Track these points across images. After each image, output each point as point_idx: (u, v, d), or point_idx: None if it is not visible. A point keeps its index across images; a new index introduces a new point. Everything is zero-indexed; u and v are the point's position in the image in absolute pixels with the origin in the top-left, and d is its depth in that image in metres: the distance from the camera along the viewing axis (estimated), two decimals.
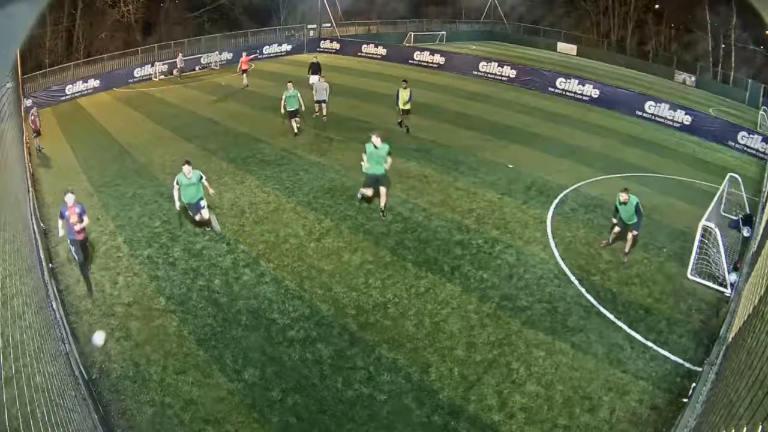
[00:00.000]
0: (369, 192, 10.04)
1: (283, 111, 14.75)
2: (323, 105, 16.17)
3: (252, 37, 33.95)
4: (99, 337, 6.28)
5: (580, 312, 7.60)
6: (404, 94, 15.07)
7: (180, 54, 27.06)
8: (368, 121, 17.35)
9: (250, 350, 6.60)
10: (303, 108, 14.86)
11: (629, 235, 8.95)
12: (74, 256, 7.93)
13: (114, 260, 8.70)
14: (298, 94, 14.59)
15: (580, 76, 24.31)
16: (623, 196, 8.73)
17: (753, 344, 3.94)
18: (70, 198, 7.74)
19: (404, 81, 15.39)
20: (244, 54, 24.36)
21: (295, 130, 15.12)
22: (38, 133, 14.38)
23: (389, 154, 9.69)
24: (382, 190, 9.93)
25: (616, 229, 9.21)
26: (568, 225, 10.33)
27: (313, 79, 18.96)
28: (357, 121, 17.33)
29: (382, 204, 10.08)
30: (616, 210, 8.96)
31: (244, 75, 22.89)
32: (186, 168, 8.90)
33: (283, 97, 14.61)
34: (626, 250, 9.13)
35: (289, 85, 14.76)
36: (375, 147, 9.67)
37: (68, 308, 7.30)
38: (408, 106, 15.26)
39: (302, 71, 23.35)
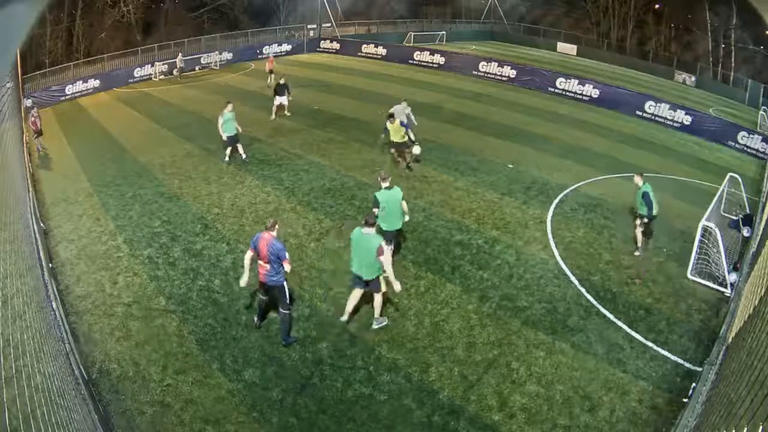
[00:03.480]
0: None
1: (224, 138, 12.61)
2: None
3: (252, 37, 33.98)
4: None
5: (580, 312, 7.59)
6: (395, 126, 11.88)
7: (180, 54, 27.08)
8: (368, 121, 17.35)
9: (250, 350, 6.60)
10: (240, 130, 12.82)
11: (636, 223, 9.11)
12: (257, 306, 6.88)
13: (114, 260, 8.70)
14: (233, 117, 12.53)
15: (580, 76, 24.33)
16: (635, 180, 9.00)
17: (753, 344, 3.94)
18: (274, 229, 6.45)
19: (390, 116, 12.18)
20: (271, 55, 24.60)
21: (243, 156, 12.96)
22: (39, 133, 14.33)
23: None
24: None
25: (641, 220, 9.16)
26: (568, 225, 10.33)
27: (280, 99, 17.11)
28: (357, 121, 17.34)
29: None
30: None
31: (271, 76, 22.59)
32: None
33: (220, 120, 12.40)
34: (637, 243, 9.22)
35: (229, 106, 12.53)
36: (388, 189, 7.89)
37: (68, 308, 7.29)
38: (403, 137, 11.90)
39: (302, 71, 23.43)
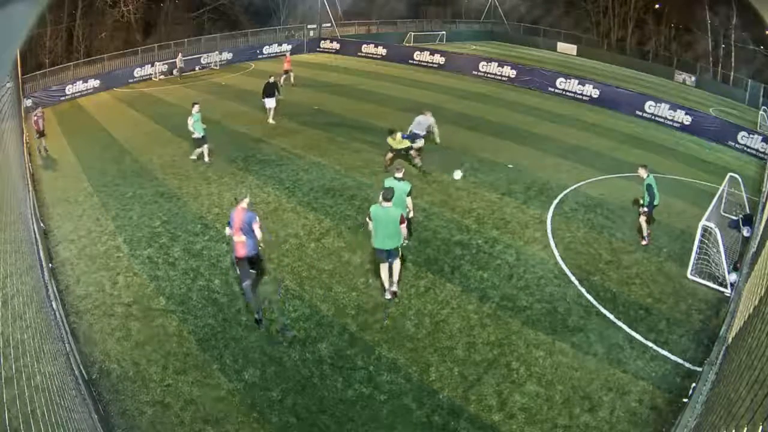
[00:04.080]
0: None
1: (196, 137, 12.80)
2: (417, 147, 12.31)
3: (252, 37, 33.99)
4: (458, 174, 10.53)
5: (580, 312, 7.60)
6: (397, 140, 12.07)
7: (180, 54, 27.08)
8: (368, 120, 17.36)
9: (250, 350, 6.60)
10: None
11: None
12: (241, 279, 7.20)
13: (114, 260, 8.70)
14: (200, 117, 12.69)
15: (580, 76, 24.33)
16: (639, 172, 9.59)
17: (753, 344, 3.94)
18: (245, 201, 6.83)
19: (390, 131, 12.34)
20: (287, 53, 24.75)
21: (207, 159, 13.10)
22: (42, 134, 14.26)
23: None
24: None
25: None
26: (568, 225, 10.33)
27: (270, 103, 16.27)
28: (357, 121, 17.34)
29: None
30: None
31: (289, 75, 22.46)
32: None
33: (191, 121, 12.55)
34: (643, 233, 9.78)
35: (196, 107, 12.65)
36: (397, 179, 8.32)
37: (68, 308, 7.29)
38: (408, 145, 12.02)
39: (302, 71, 23.42)
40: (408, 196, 8.19)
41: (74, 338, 6.49)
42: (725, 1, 34.53)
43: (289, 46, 33.45)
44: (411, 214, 8.47)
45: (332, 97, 21.08)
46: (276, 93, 16.49)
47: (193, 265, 8.53)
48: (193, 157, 13.25)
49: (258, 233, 6.68)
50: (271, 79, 16.47)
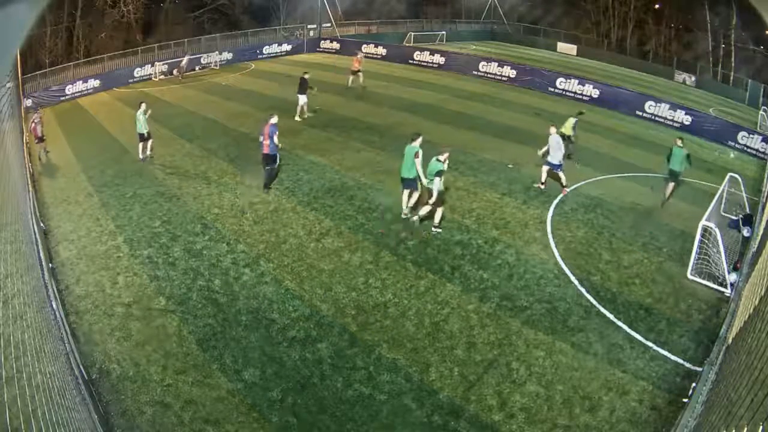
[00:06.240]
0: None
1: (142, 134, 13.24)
2: (560, 173, 11.62)
3: (252, 37, 33.98)
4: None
5: (580, 312, 7.60)
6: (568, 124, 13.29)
7: (187, 55, 27.08)
8: (368, 120, 17.36)
9: (250, 350, 6.60)
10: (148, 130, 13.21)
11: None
12: (263, 166, 11.19)
13: (114, 260, 8.70)
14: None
15: (580, 76, 24.32)
16: (678, 143, 11.15)
17: (753, 344, 3.94)
18: (273, 119, 10.91)
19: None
20: (359, 53, 24.18)
21: (141, 156, 13.44)
22: (41, 139, 14.09)
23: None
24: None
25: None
26: (568, 225, 10.33)
27: (302, 99, 16.66)
28: (357, 121, 17.33)
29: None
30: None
31: (357, 75, 21.78)
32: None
33: (141, 119, 13.05)
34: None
35: (143, 105, 13.26)
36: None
37: (68, 308, 7.29)
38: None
39: (302, 71, 23.38)
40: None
41: (74, 338, 6.50)
42: (725, 1, 34.55)
43: (289, 46, 33.41)
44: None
45: (332, 97, 21.06)
46: (307, 90, 16.60)
47: (193, 265, 8.53)
48: (148, 153, 13.57)
49: (275, 140, 10.81)
50: (307, 75, 16.65)
